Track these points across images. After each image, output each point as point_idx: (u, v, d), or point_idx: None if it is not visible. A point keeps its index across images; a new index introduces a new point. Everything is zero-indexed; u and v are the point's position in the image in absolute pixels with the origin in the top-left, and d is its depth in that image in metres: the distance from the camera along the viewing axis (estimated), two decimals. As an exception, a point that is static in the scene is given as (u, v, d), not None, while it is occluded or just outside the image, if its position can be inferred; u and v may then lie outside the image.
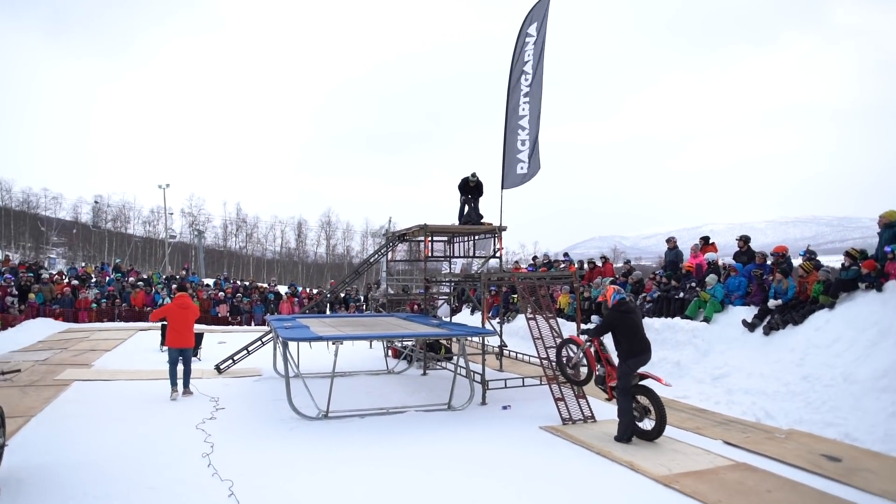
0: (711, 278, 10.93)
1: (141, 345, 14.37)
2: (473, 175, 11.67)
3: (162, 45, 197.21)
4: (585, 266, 15.68)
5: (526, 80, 11.16)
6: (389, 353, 12.42)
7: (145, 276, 24.52)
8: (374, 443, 6.67)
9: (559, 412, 7.67)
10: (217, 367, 11.03)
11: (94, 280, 21.91)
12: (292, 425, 7.37)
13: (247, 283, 24.33)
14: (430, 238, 11.74)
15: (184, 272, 27.49)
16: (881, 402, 6.87)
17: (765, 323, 9.57)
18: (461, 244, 12.87)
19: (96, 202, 64.35)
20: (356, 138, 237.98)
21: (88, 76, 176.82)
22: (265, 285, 24.44)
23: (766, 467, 5.84)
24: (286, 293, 22.60)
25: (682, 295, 11.47)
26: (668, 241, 13.58)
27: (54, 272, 23.58)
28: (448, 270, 14.36)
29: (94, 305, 19.62)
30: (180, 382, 8.95)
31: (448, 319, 12.72)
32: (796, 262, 10.61)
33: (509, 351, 12.15)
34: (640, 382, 6.86)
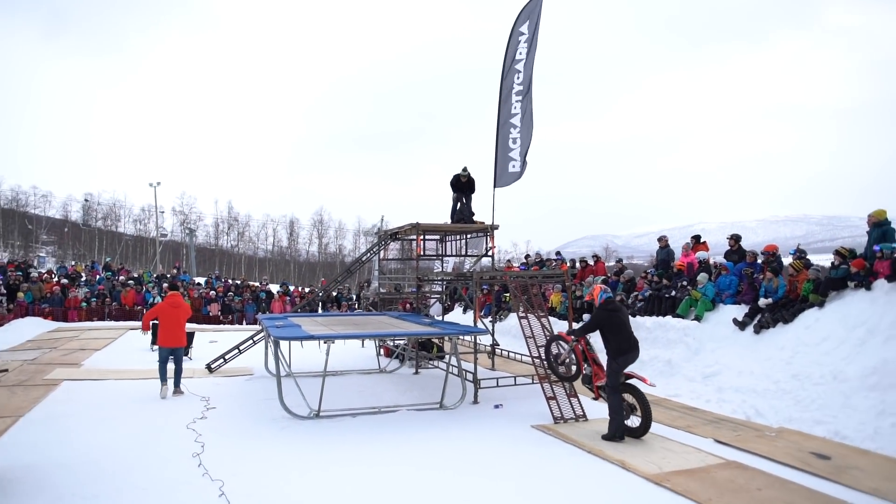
0: (702, 277, 10.99)
1: (131, 344, 14.24)
2: (464, 170, 11.63)
3: (155, 44, 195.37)
4: (577, 265, 15.71)
5: (518, 78, 11.16)
6: (381, 351, 12.41)
7: (136, 275, 24.32)
8: (365, 442, 6.66)
9: (551, 411, 7.68)
10: (208, 367, 10.98)
11: (83, 279, 21.75)
12: (284, 425, 7.35)
13: (238, 282, 24.24)
14: (422, 237, 11.73)
15: (175, 271, 27.29)
16: (870, 400, 6.93)
17: (755, 321, 9.63)
18: (453, 243, 12.85)
19: (86, 200, 63.54)
20: (349, 136, 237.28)
21: (80, 75, 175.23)
22: (257, 284, 24.42)
23: (757, 465, 5.87)
24: (278, 292, 22.53)
25: (673, 293, 11.52)
26: (659, 239, 13.63)
27: (43, 271, 23.36)
28: (440, 269, 14.34)
29: (84, 304, 19.48)
30: (170, 381, 8.91)
31: (440, 318, 12.72)
32: (786, 260, 10.67)
33: (501, 350, 12.17)
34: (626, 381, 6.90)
